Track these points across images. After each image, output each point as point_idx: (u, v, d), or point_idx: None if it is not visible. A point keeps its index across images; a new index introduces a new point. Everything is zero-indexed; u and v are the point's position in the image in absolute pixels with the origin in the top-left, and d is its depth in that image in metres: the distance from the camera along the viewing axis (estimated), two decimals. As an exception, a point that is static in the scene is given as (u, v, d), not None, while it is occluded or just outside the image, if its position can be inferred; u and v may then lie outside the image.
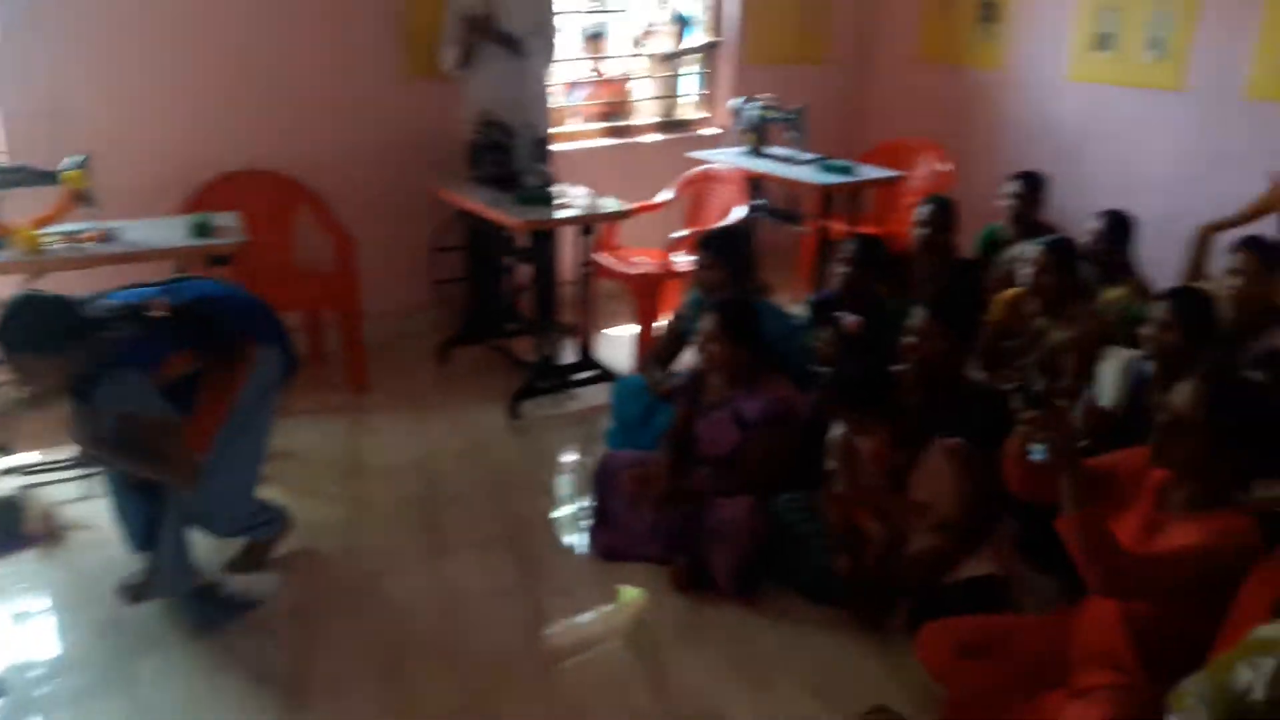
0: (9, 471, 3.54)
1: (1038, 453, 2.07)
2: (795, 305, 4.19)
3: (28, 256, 3.28)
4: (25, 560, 3.16)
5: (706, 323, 3.04)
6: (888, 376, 2.98)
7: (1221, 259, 3.68)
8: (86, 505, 3.40)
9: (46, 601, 3.00)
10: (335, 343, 4.54)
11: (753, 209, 4.85)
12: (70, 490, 3.49)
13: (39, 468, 3.58)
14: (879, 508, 2.88)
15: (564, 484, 3.69)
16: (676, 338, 3.76)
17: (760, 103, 5.13)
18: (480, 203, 4.18)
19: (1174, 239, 4.39)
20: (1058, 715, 2.15)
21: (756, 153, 5.13)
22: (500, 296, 4.78)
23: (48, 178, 3.33)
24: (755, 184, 5.04)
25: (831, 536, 2.87)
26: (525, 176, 4.25)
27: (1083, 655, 2.27)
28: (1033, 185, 4.33)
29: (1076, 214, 4.69)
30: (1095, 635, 2.25)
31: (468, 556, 3.17)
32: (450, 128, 4.69)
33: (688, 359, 3.76)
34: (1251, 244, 3.36)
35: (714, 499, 2.99)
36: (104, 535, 3.19)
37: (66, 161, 3.33)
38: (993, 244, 4.47)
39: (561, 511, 3.47)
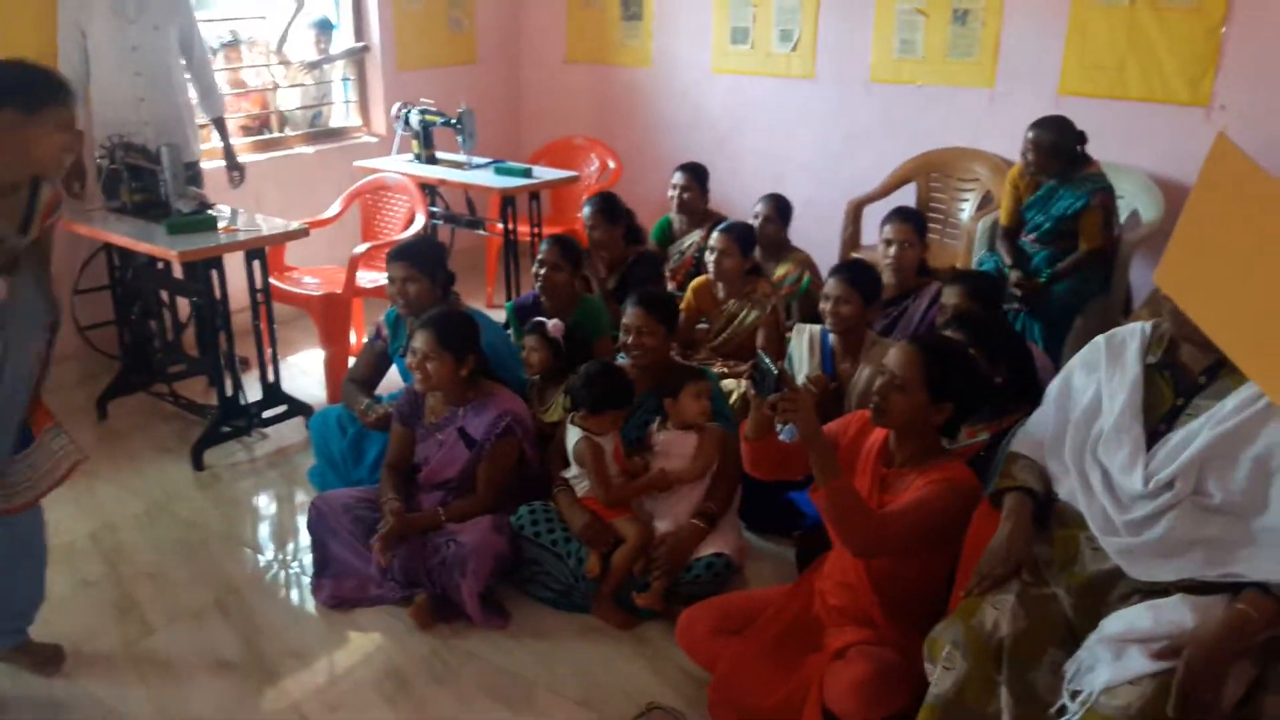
0: None
1: (787, 433, 2.14)
2: (490, 312, 4.10)
3: None
4: None
5: (421, 341, 2.87)
6: (620, 374, 2.98)
7: (873, 230, 4.05)
8: None
9: None
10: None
11: (432, 216, 4.70)
12: None
13: None
14: (631, 501, 2.89)
15: (272, 535, 3.38)
16: (377, 359, 3.54)
17: (421, 108, 4.96)
18: (126, 235, 3.72)
19: (821, 215, 4.80)
20: (820, 678, 2.24)
21: (426, 159, 4.97)
22: (160, 336, 4.29)
23: None
24: (430, 191, 4.88)
25: (585, 539, 2.83)
26: (175, 202, 3.83)
27: (831, 616, 2.39)
28: (695, 176, 4.51)
29: (736, 199, 4.99)
30: (840, 595, 2.38)
31: (178, 633, 2.80)
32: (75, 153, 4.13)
33: (393, 381, 3.58)
34: (903, 214, 3.70)
35: (449, 526, 2.85)
36: None
37: None
38: (669, 235, 4.64)
39: (274, 566, 3.16)
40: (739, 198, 4.98)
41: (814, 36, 5.19)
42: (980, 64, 4.74)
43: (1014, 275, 3.89)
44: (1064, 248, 3.91)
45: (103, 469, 3.70)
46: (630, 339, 3.06)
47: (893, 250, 3.62)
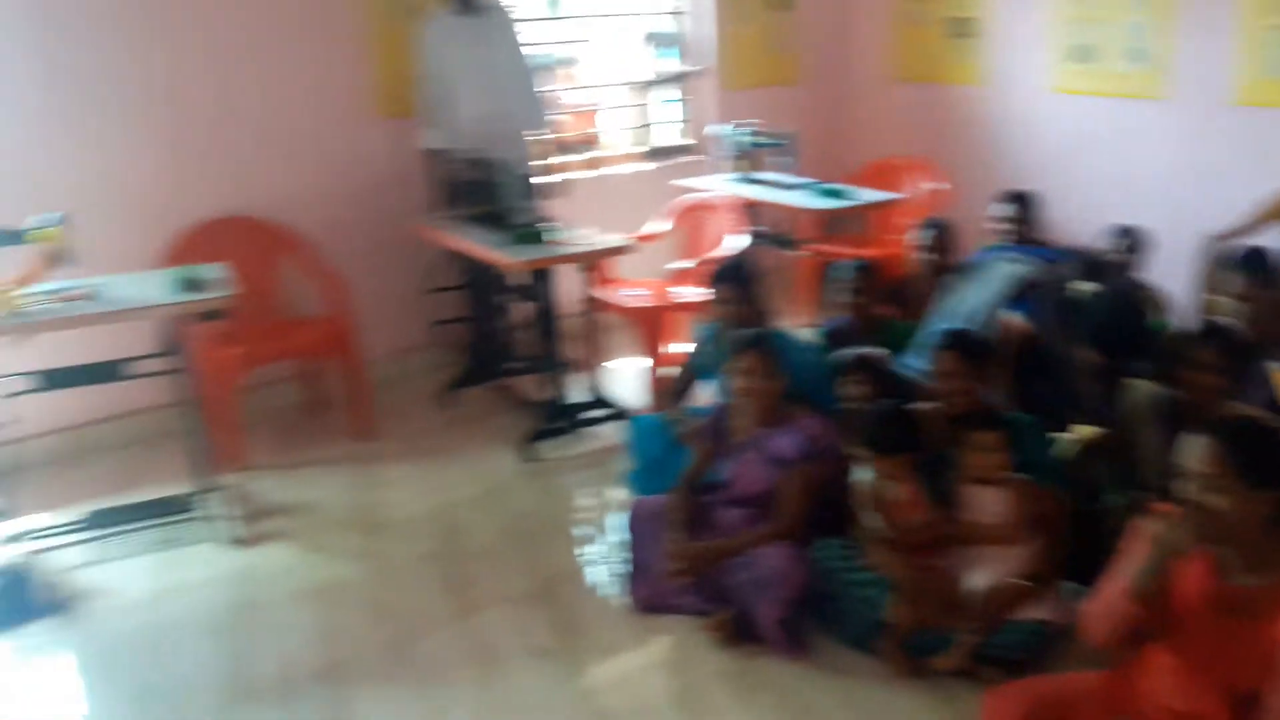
0: (16, 538, 3.38)
1: None
2: (802, 333, 4.12)
3: (8, 319, 3.10)
4: (40, 632, 3.05)
5: (744, 359, 2.96)
6: (913, 418, 2.91)
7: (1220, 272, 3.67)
8: (102, 569, 3.35)
9: (68, 673, 2.92)
10: (335, 390, 4.43)
11: (752, 236, 4.79)
12: (83, 554, 3.40)
13: (47, 532, 3.45)
14: (948, 542, 2.79)
15: (590, 531, 3.56)
16: (692, 373, 3.68)
17: (750, 128, 5.08)
18: (472, 242, 4.11)
19: (1173, 252, 4.40)
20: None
21: (748, 179, 5.08)
22: (500, 336, 4.68)
23: (15, 237, 3.14)
24: (749, 210, 4.99)
25: (896, 585, 2.75)
26: (515, 214, 4.15)
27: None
28: (1025, 204, 4.29)
29: (1072, 228, 4.70)
30: (1171, 695, 2.19)
31: (500, 614, 3.05)
32: (427, 166, 4.61)
33: (704, 395, 3.69)
34: (1252, 263, 3.36)
35: (753, 547, 2.89)
36: (124, 598, 3.19)
37: (38, 219, 3.17)
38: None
39: (592, 561, 3.35)
40: (1075, 226, 4.69)
41: (1168, 53, 4.80)
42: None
43: None
44: None
45: (447, 451, 4.13)
46: (937, 384, 2.96)
47: (1241, 307, 3.27)
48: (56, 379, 3.33)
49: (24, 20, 3.90)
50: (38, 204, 3.34)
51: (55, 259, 3.17)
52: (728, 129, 5.20)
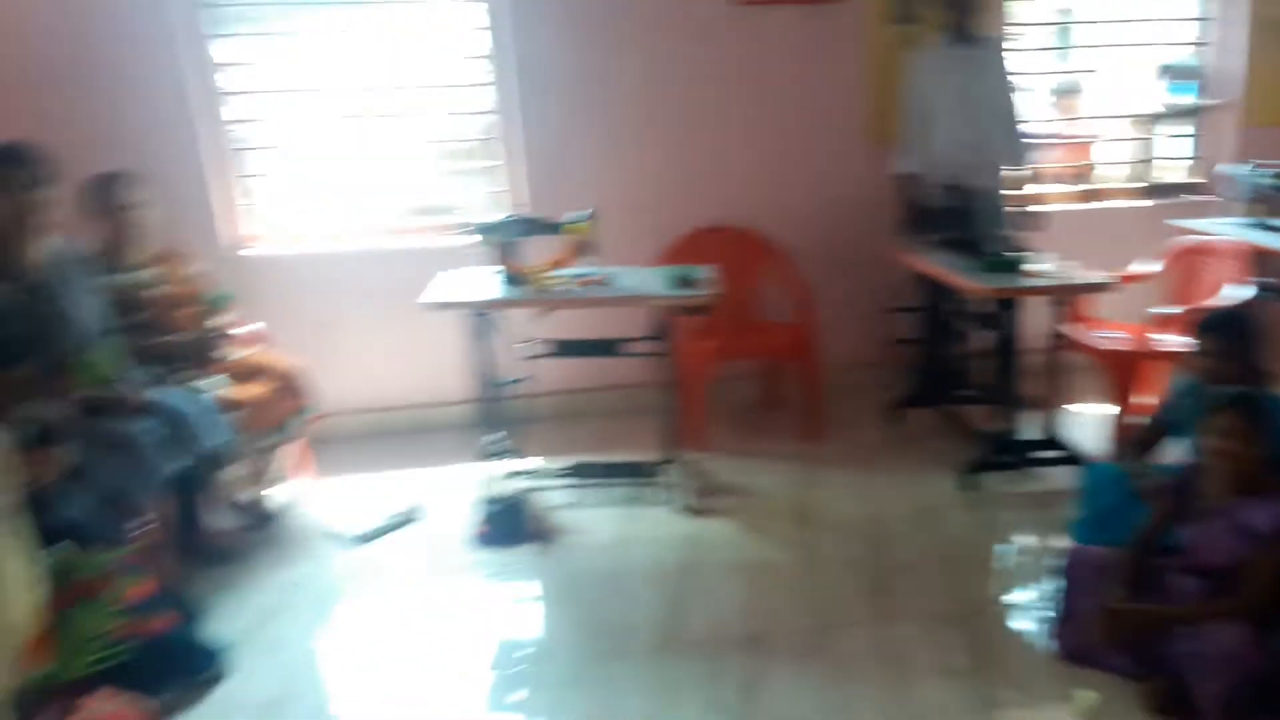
0: (519, 474, 4.10)
1: None
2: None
3: (538, 294, 3.76)
4: (524, 555, 3.67)
5: (1223, 419, 2.75)
6: None
7: None
8: (576, 512, 3.94)
9: (537, 593, 3.51)
10: (791, 392, 4.73)
11: (1262, 288, 4.32)
12: (564, 497, 4.04)
13: (541, 474, 4.14)
14: None
15: (1023, 569, 3.48)
16: (1160, 427, 3.44)
17: (1272, 169, 4.56)
18: (939, 267, 4.15)
19: None
20: None
21: (1263, 225, 4.57)
22: (953, 361, 4.67)
23: (554, 228, 3.81)
24: (1259, 259, 4.49)
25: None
26: (987, 242, 4.12)
27: None
28: None
29: None
30: None
31: (916, 628, 3.11)
32: (899, 190, 4.69)
33: (1172, 452, 3.44)
34: None
35: (1204, 621, 2.67)
36: (591, 540, 3.74)
37: (573, 214, 3.80)
38: None
39: (1020, 599, 3.29)
40: None
41: None
42: None
43: None
44: None
45: (887, 465, 4.26)
46: None
47: None
48: (568, 348, 3.98)
49: (570, 45, 4.64)
50: (567, 202, 3.99)
51: (583, 249, 3.80)
52: (1245, 169, 4.71)
